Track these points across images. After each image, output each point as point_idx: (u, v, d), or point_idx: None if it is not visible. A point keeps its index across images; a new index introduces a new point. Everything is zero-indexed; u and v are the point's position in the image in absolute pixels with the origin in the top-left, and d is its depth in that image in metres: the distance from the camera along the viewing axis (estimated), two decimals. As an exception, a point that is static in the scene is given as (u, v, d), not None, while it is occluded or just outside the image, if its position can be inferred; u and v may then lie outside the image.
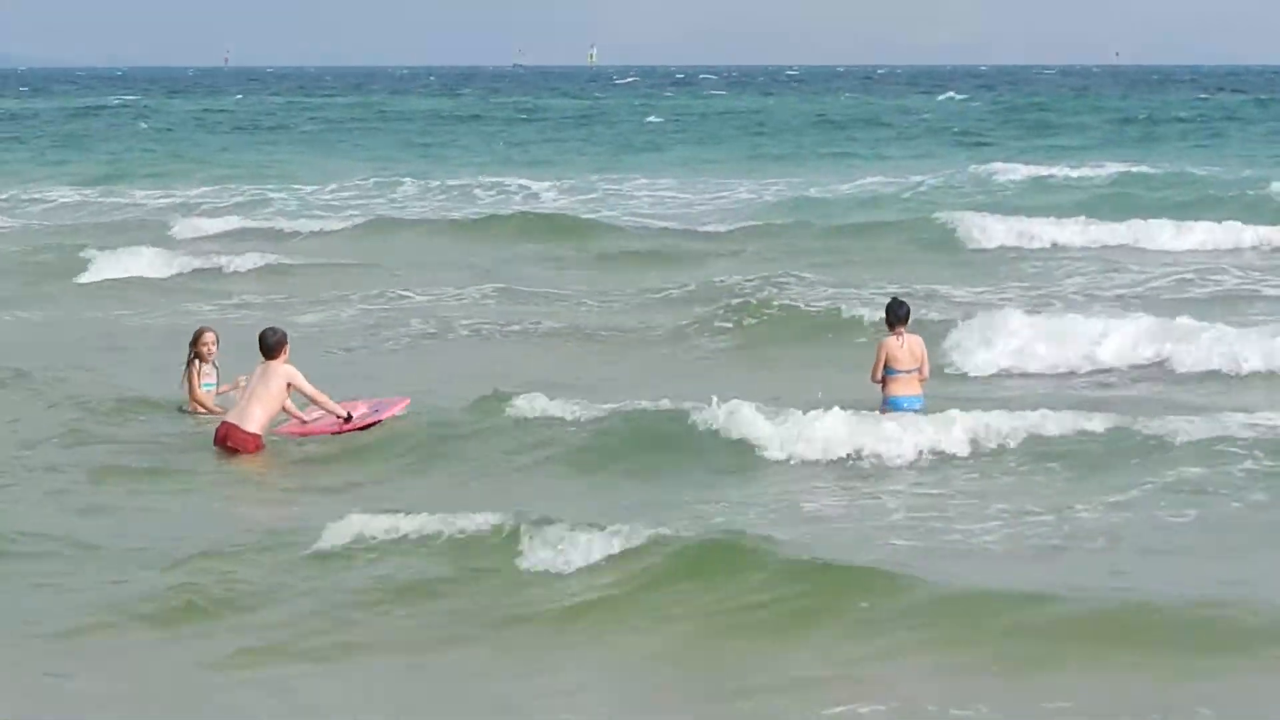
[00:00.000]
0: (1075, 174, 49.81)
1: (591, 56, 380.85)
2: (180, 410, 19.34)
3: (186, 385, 19.24)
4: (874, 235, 37.68)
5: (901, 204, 44.23)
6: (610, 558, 13.01)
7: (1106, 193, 45.59)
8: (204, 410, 19.13)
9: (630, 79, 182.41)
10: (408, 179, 53.05)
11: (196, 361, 19.22)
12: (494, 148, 71.05)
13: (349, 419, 18.29)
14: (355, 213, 44.79)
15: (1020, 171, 50.61)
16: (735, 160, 61.86)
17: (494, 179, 52.49)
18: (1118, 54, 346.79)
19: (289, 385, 17.93)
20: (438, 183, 52.30)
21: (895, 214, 41.11)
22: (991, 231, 36.21)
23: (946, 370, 21.90)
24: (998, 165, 51.60)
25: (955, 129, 79.36)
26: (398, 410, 18.73)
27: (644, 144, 72.16)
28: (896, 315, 18.43)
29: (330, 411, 18.24)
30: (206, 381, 19.22)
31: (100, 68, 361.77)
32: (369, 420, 18.43)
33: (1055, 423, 17.28)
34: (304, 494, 16.39)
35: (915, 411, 17.89)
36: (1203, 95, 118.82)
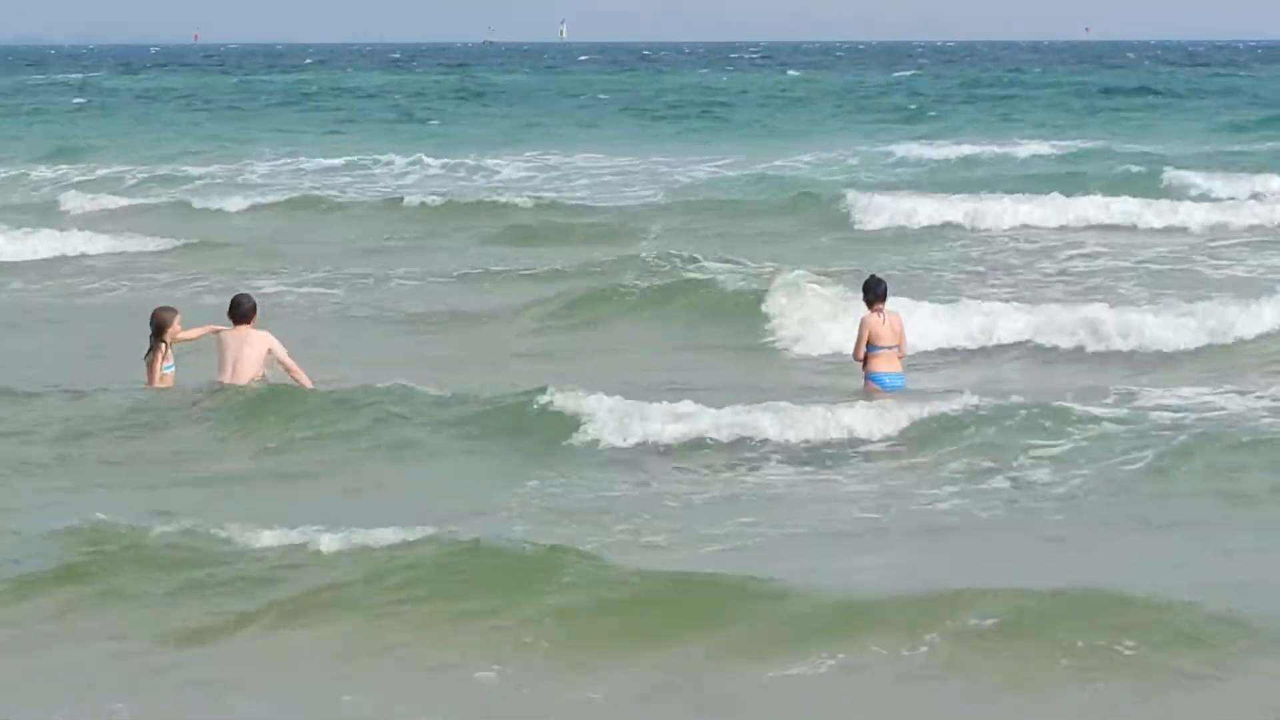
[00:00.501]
0: (981, 151, 49.82)
1: (562, 32, 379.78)
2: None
3: (148, 370, 18.21)
4: (757, 213, 37.22)
5: (796, 182, 43.73)
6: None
7: (1016, 173, 45.28)
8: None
9: (584, 58, 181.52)
10: (316, 158, 52.61)
11: (162, 346, 18.19)
12: (411, 126, 70.27)
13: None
14: (254, 193, 44.25)
15: (928, 150, 50.58)
16: (655, 139, 61.30)
17: (399, 158, 52.11)
18: (1088, 29, 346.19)
19: (268, 351, 17.66)
20: (340, 160, 51.76)
21: (786, 192, 40.57)
22: (879, 209, 35.77)
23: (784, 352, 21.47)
24: (908, 145, 51.57)
25: (886, 106, 78.92)
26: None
27: (569, 121, 71.56)
28: (875, 292, 18.13)
29: (300, 383, 17.72)
30: (168, 365, 18.35)
31: (68, 45, 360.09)
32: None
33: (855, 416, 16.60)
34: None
35: (899, 389, 17.81)
36: (1165, 69, 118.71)
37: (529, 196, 40.58)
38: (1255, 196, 38.38)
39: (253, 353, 17.63)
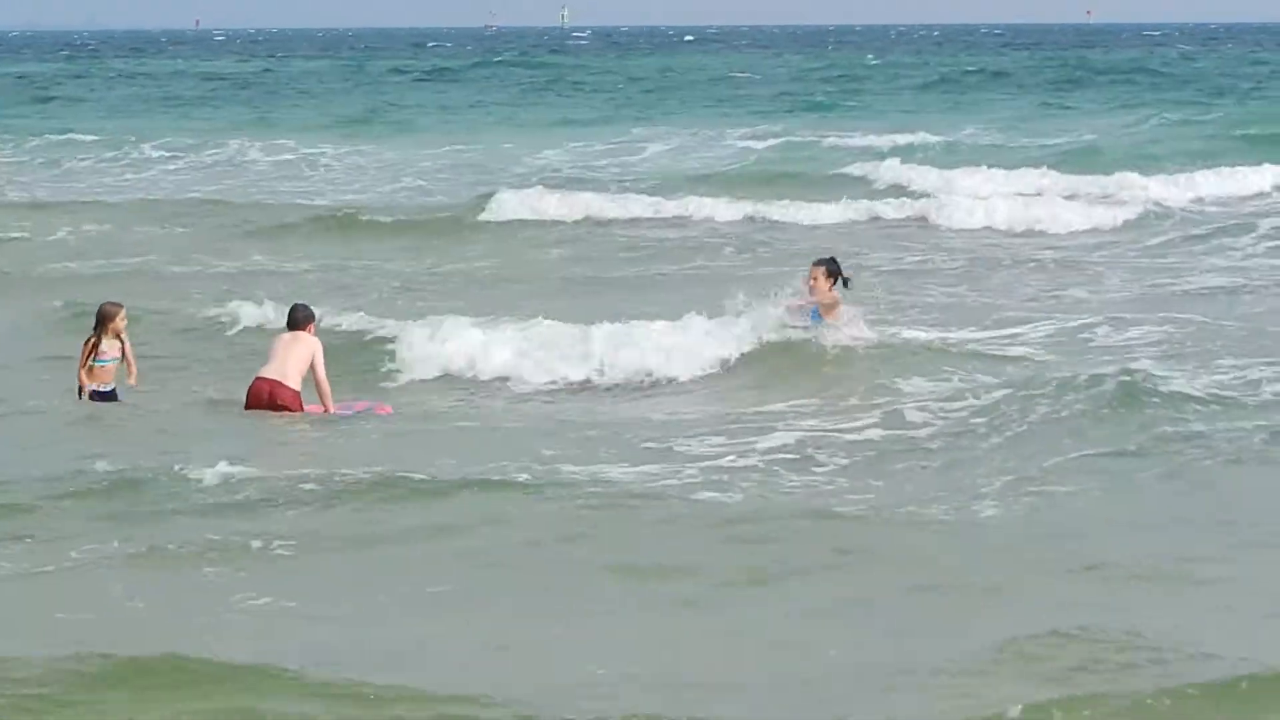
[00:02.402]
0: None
1: (563, 16, 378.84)
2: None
3: (81, 357, 18.16)
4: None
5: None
6: None
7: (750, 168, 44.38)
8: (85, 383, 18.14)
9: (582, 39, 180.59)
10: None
11: (98, 337, 18.06)
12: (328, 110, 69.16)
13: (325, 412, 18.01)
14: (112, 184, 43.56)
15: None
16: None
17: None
18: (1089, 12, 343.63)
19: (313, 356, 17.78)
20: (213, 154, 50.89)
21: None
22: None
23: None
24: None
25: (794, 91, 77.70)
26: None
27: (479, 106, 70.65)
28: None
29: (321, 400, 17.89)
30: (104, 358, 18.07)
31: (72, 30, 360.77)
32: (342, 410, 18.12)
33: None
34: None
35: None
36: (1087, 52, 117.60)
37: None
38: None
39: (303, 352, 17.73)
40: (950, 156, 45.39)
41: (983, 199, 35.33)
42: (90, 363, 18.00)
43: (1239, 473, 13.83)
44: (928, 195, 36.96)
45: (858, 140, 49.96)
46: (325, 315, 20.93)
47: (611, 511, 12.85)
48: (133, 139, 53.37)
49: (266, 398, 17.58)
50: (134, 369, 18.08)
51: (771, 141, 50.24)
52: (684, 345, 19.68)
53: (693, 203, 35.53)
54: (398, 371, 20.17)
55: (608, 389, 19.24)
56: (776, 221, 33.93)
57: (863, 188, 39.02)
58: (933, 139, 49.24)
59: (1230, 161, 40.25)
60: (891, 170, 40.81)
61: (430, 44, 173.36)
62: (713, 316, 20.04)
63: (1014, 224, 33.49)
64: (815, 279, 18.67)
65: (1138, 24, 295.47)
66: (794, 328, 19.00)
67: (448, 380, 19.93)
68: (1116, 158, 43.51)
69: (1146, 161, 41.66)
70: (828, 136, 51.01)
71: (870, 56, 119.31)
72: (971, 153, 46.27)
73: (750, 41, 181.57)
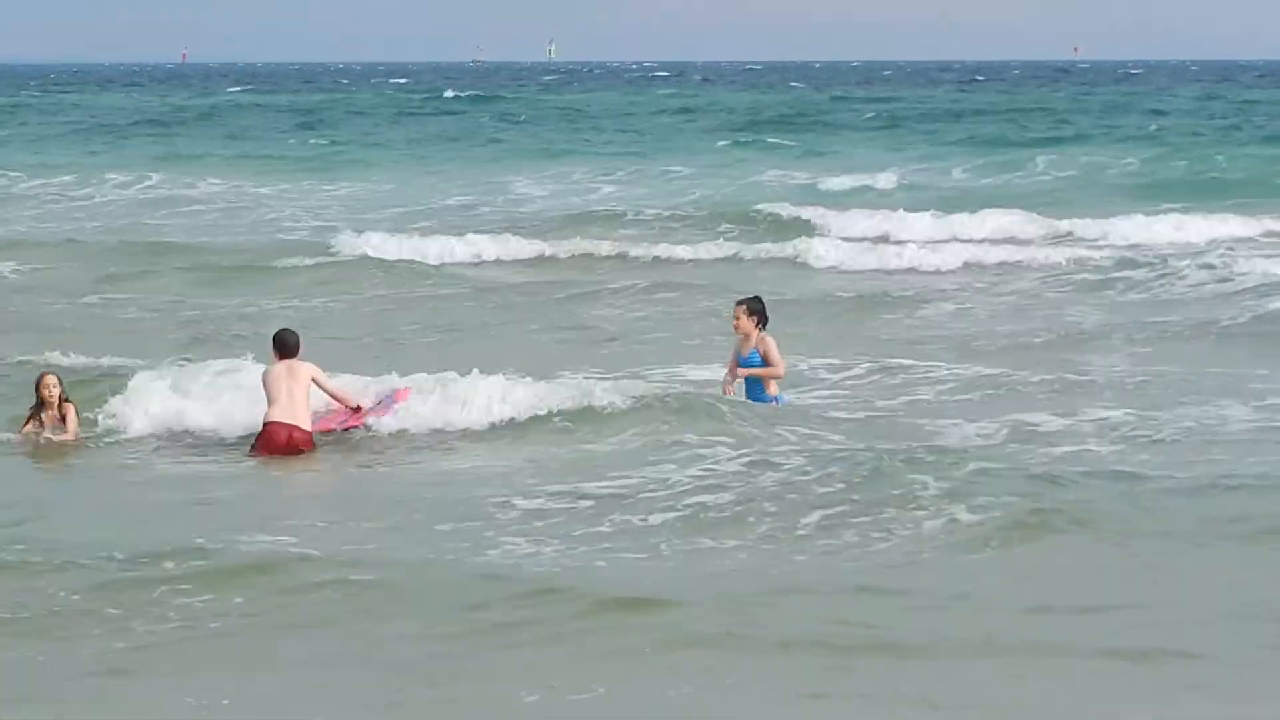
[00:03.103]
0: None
1: (550, 51, 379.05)
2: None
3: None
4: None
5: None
6: None
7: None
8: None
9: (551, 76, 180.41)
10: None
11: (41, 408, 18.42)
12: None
13: (358, 410, 18.26)
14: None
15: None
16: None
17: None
18: (1077, 49, 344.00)
19: (313, 380, 17.73)
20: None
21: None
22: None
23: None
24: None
25: (722, 126, 77.08)
26: (401, 401, 18.34)
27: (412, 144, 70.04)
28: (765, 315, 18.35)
29: (345, 403, 18.20)
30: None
31: (57, 63, 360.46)
32: (379, 411, 18.23)
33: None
34: None
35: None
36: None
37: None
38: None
39: (304, 382, 17.63)
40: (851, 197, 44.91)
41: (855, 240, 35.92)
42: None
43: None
44: (803, 234, 36.99)
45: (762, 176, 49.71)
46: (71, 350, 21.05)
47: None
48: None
49: (285, 442, 17.34)
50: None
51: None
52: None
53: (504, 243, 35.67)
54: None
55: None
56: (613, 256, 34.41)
57: (742, 226, 38.86)
58: (848, 181, 48.60)
59: (1103, 211, 40.23)
60: (784, 209, 40.50)
61: (392, 80, 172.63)
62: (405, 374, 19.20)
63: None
64: (739, 318, 18.29)
65: (1123, 60, 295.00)
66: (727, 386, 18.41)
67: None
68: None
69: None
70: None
71: (825, 94, 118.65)
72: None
73: (708, 77, 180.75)
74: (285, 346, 17.89)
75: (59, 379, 18.62)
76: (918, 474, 14.77)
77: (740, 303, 18.46)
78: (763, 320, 18.16)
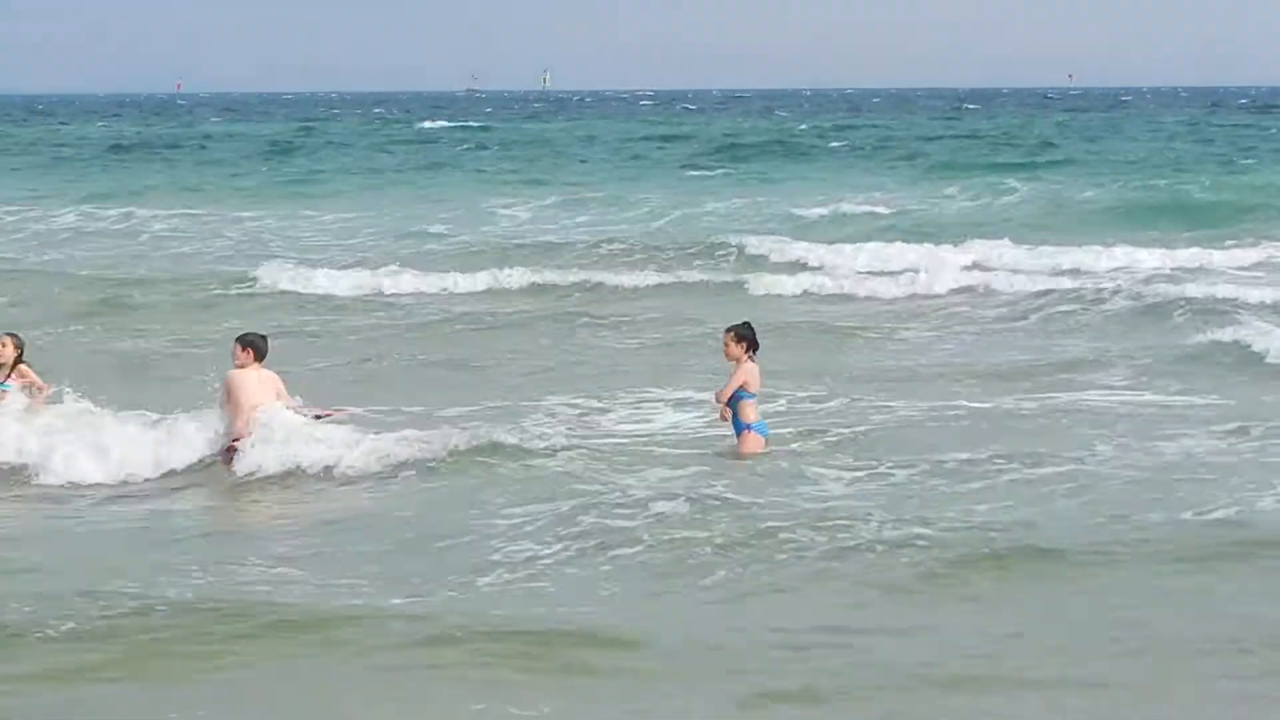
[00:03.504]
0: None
1: (545, 80, 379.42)
2: None
3: None
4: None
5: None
6: None
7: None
8: None
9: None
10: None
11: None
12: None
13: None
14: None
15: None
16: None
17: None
18: (1071, 76, 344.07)
19: (277, 394, 17.44)
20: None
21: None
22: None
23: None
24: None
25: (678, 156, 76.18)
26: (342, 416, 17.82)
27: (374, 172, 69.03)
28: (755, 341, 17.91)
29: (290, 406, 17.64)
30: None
31: (60, 94, 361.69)
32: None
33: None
34: None
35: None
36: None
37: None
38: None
39: (274, 389, 17.32)
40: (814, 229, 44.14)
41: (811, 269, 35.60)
42: None
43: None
44: (755, 264, 36.55)
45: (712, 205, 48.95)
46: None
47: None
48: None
49: None
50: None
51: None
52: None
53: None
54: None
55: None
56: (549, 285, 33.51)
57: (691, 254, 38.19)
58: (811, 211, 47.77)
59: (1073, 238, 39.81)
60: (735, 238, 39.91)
61: (376, 109, 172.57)
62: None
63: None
64: (727, 344, 17.84)
65: (1116, 88, 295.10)
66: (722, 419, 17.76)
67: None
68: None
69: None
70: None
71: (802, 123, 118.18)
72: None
73: (688, 106, 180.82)
74: (262, 351, 17.41)
75: (16, 338, 18.23)
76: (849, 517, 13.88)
77: (728, 329, 18.04)
78: (752, 346, 17.67)
